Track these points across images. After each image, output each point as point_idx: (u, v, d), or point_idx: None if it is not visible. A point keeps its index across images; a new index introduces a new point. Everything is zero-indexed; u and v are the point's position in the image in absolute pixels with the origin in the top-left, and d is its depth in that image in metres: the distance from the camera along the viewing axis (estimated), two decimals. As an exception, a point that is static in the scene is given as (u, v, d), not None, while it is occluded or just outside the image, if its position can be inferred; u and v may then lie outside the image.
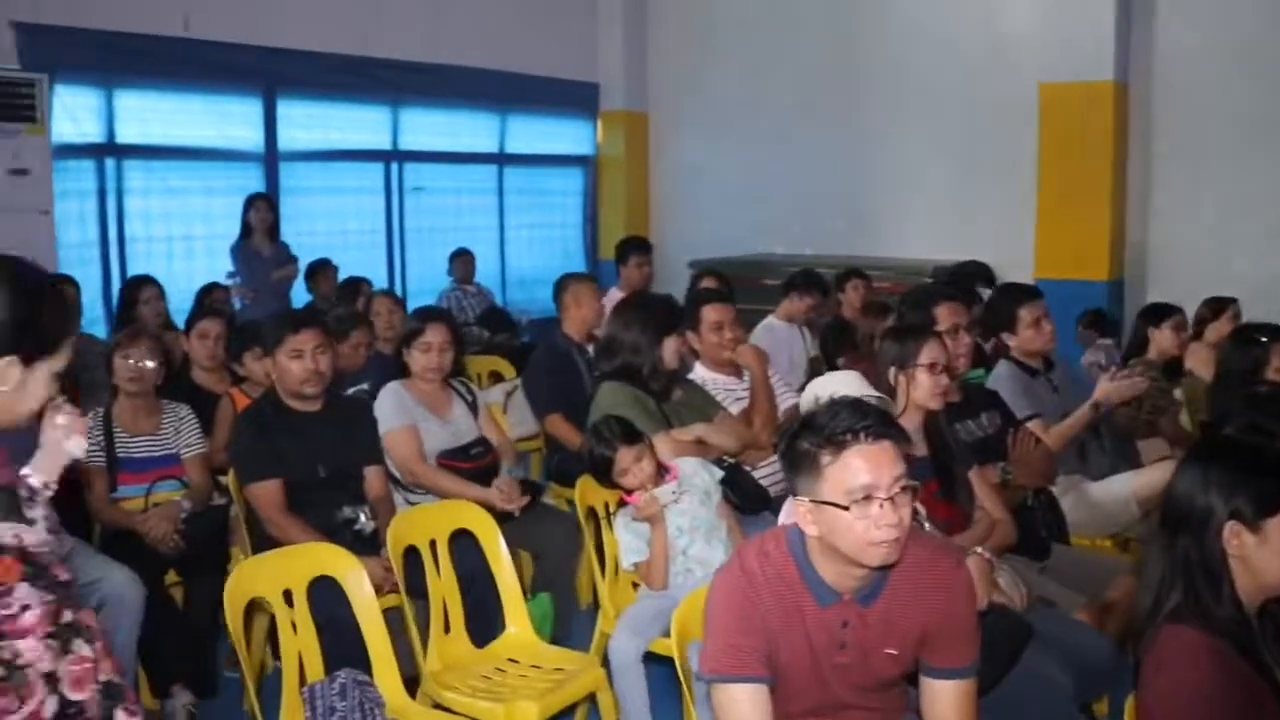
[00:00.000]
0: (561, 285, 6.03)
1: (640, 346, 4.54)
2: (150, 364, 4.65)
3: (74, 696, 2.21)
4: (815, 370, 7.20)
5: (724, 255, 10.15)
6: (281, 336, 4.29)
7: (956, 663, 2.58)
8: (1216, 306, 6.31)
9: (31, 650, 2.16)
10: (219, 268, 8.23)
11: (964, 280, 7.19)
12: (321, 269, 8.55)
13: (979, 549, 3.20)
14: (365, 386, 5.67)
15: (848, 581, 2.50)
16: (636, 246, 7.76)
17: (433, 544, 3.84)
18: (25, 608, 2.15)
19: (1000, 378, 4.95)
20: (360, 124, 9.63)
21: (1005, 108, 9.23)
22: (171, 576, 4.50)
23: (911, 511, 2.45)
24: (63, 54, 7.54)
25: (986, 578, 3.11)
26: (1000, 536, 3.79)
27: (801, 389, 6.85)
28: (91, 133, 7.87)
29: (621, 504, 4.04)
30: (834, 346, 6.94)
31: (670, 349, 4.55)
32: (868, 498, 2.38)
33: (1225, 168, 8.73)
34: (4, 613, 2.12)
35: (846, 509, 2.38)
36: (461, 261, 9.61)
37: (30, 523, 2.19)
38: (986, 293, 6.77)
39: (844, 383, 3.36)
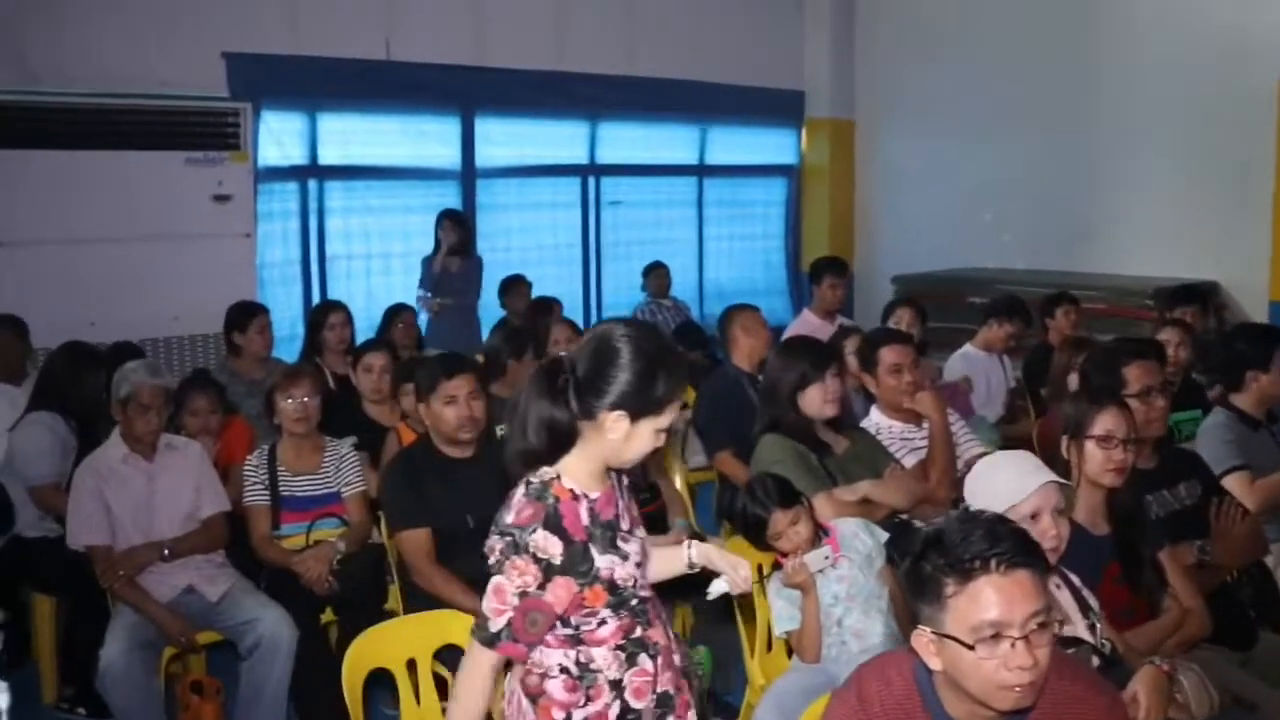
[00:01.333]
0: (727, 317, 5.82)
1: (779, 397, 4.30)
2: (313, 402, 4.66)
3: (634, 704, 2.59)
4: (1014, 402, 6.82)
5: (929, 269, 9.77)
6: (435, 383, 4.22)
7: None
8: None
9: (603, 658, 2.57)
10: (416, 285, 8.33)
11: (1192, 297, 6.70)
12: (515, 284, 8.53)
13: (1155, 660, 2.85)
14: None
15: (977, 719, 2.23)
16: (830, 267, 7.46)
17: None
18: (603, 622, 2.56)
19: (1211, 426, 4.53)
20: (557, 139, 9.62)
21: (1241, 105, 8.51)
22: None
23: (1051, 650, 2.15)
24: (270, 81, 7.75)
25: (1163, 694, 2.76)
26: (1191, 629, 3.40)
27: (1000, 421, 6.60)
28: (294, 155, 8.07)
29: (776, 566, 3.80)
30: (1037, 376, 6.54)
31: (815, 399, 4.26)
32: (997, 636, 2.10)
33: None
34: (585, 626, 2.54)
35: (972, 648, 2.11)
36: (656, 275, 9.48)
37: (624, 556, 2.56)
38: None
39: (1014, 468, 3.03)
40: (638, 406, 2.47)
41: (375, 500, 4.76)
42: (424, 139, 8.77)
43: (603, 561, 2.52)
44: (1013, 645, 2.09)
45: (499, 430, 5.57)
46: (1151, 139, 9.13)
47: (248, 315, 6.20)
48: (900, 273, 9.84)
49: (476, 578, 4.04)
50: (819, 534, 3.71)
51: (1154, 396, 3.85)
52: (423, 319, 8.00)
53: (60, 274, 6.56)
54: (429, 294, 8.15)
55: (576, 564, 2.49)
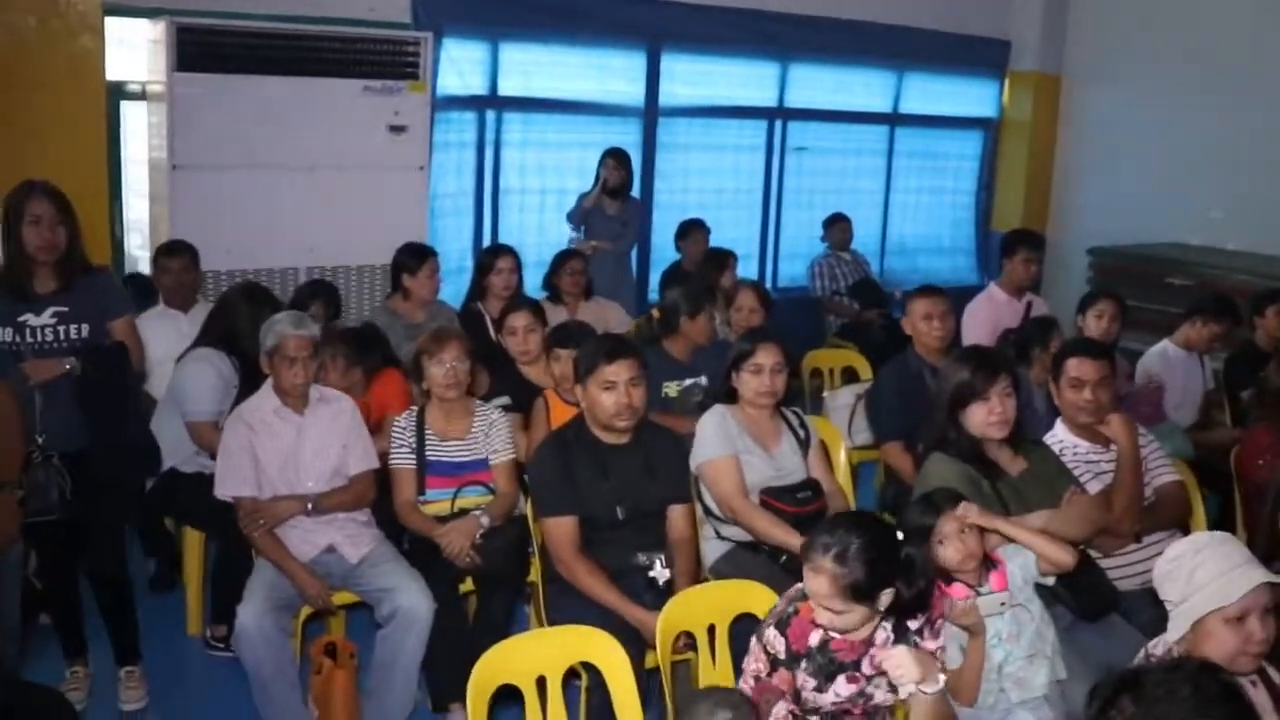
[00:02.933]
0: (908, 303, 5.47)
1: (937, 415, 3.95)
2: (463, 366, 4.50)
3: None
4: (1209, 407, 6.31)
5: (1129, 242, 9.15)
6: (594, 366, 4.02)
7: None
8: None
9: None
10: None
11: None
12: (693, 229, 8.25)
13: None
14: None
15: None
16: (1026, 240, 6.90)
17: (711, 630, 3.48)
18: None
19: None
20: (745, 80, 9.19)
21: None
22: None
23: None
24: (454, 10, 7.57)
25: None
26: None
27: (1193, 428, 6.10)
28: (474, 85, 7.87)
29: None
30: (1238, 380, 6.03)
31: (978, 418, 3.86)
32: None
33: None
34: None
35: None
36: (838, 227, 9.07)
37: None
38: None
39: (1222, 561, 2.64)
40: None
41: (523, 466, 4.63)
42: (607, 73, 8.48)
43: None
44: None
45: (671, 388, 5.39)
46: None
47: (418, 258, 6.07)
48: (1097, 244, 9.25)
49: (623, 570, 3.92)
50: (988, 565, 3.40)
51: None
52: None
53: (233, 199, 6.50)
54: (581, 235, 7.89)
55: None
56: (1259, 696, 2.66)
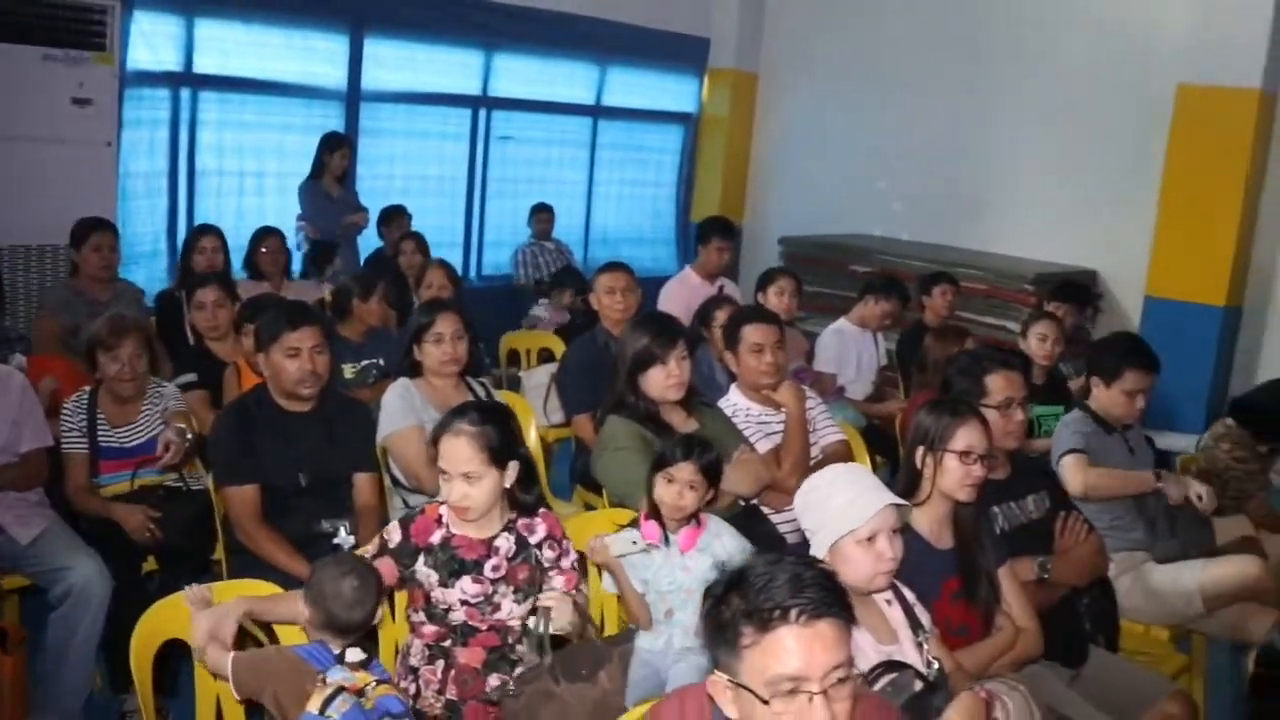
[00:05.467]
0: (595, 277, 5.66)
1: (617, 380, 4.15)
2: (140, 362, 4.38)
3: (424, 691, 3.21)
4: (883, 381, 6.77)
5: (818, 232, 9.68)
6: (277, 333, 4.00)
7: None
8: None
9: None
10: (289, 206, 8.00)
11: (1069, 294, 6.69)
12: (395, 216, 8.26)
13: (974, 686, 2.77)
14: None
15: (777, 770, 2.10)
16: (719, 228, 7.25)
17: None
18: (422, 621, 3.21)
19: (1068, 420, 4.56)
20: (450, 67, 9.22)
21: (1138, 106, 8.46)
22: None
23: (850, 705, 2.03)
24: (143, -22, 7.30)
25: None
26: (1023, 649, 3.34)
27: (868, 399, 6.54)
28: (168, 61, 7.59)
29: (633, 524, 3.57)
30: (909, 356, 6.50)
31: (656, 381, 4.09)
32: (794, 690, 1.96)
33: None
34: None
35: (767, 702, 1.97)
36: (541, 216, 9.27)
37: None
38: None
39: (851, 489, 2.89)
40: None
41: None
42: (309, 55, 8.34)
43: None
44: (810, 700, 1.96)
45: (347, 370, 5.41)
46: (1047, 126, 9.07)
47: (84, 231, 5.82)
48: (788, 234, 9.73)
49: (306, 539, 3.91)
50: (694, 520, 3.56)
51: (1014, 409, 3.77)
52: (305, 248, 7.76)
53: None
54: (309, 222, 7.83)
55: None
56: (894, 614, 2.92)
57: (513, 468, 3.18)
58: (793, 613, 1.97)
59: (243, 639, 3.21)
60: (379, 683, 2.74)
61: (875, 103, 10.00)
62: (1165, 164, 8.25)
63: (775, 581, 2.00)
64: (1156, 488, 4.35)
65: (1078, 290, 6.82)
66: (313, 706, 2.62)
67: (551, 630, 3.01)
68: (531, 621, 3.02)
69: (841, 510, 2.78)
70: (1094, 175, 8.82)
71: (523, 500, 3.29)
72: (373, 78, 8.67)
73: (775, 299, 6.16)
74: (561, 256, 9.23)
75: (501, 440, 3.16)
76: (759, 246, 10.24)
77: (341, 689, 2.66)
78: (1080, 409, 4.58)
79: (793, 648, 1.97)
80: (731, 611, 2.03)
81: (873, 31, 10.00)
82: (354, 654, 2.80)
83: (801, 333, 6.97)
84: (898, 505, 2.83)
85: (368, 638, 2.96)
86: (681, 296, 6.67)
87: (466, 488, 3.10)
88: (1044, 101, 9.07)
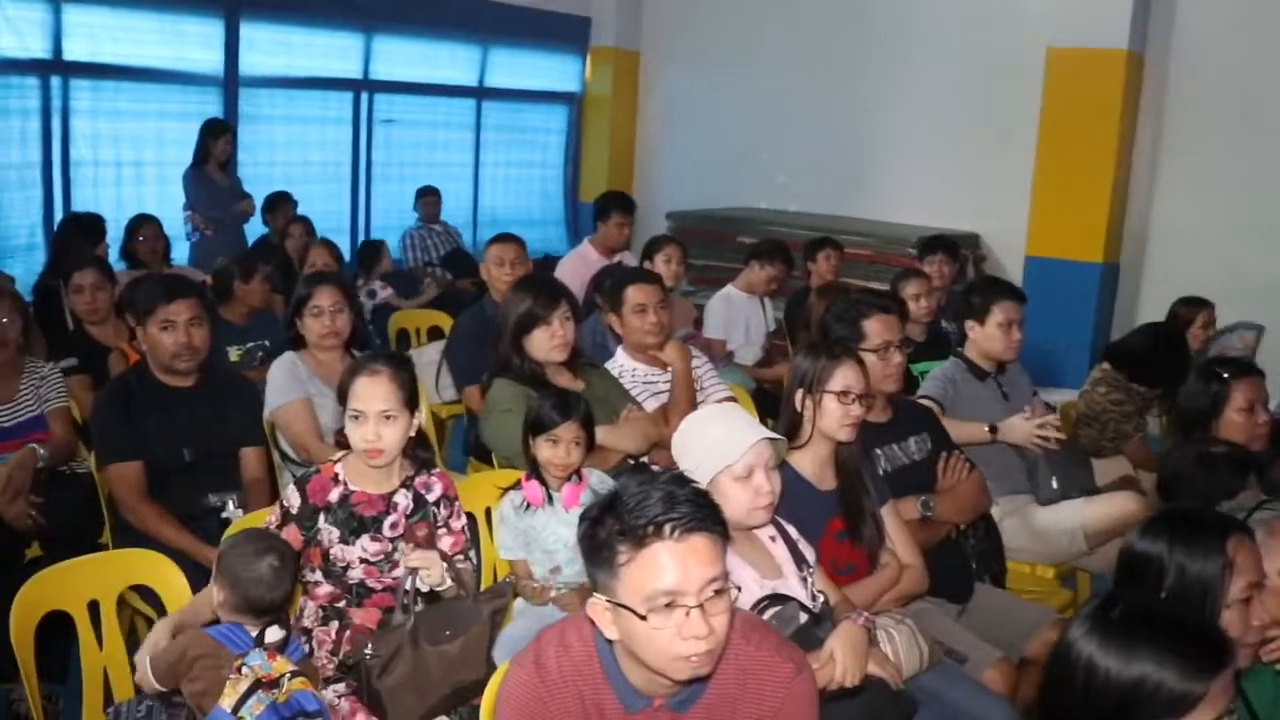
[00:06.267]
0: (485, 250, 5.66)
1: (502, 344, 4.17)
2: (12, 324, 4.30)
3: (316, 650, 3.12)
4: (772, 345, 6.86)
5: (705, 206, 9.75)
6: (153, 306, 3.94)
7: None
8: (1191, 308, 5.92)
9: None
10: (170, 195, 7.87)
11: (938, 246, 6.80)
12: (280, 202, 8.16)
13: (854, 615, 2.84)
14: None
15: (657, 688, 2.14)
16: (619, 203, 7.27)
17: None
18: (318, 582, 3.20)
19: (936, 372, 4.67)
20: (329, 51, 9.09)
21: (1011, 70, 8.64)
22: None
23: (731, 616, 2.07)
24: (6, -36, 7.09)
25: (860, 649, 2.74)
26: (908, 585, 3.42)
27: (759, 364, 6.62)
28: (36, 48, 7.39)
29: (518, 486, 3.62)
30: (797, 320, 6.58)
31: (541, 342, 4.12)
32: (671, 604, 2.00)
33: (1239, 154, 8.11)
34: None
35: (644, 618, 2.01)
36: (428, 200, 9.20)
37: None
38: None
39: (725, 424, 2.94)
40: None
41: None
42: (183, 41, 8.15)
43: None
44: (687, 614, 2.00)
45: (232, 353, 5.36)
46: (924, 93, 9.25)
47: None
48: (676, 209, 9.79)
49: (193, 514, 3.86)
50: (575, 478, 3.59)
51: (892, 351, 3.84)
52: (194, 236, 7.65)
53: None
54: (196, 208, 7.71)
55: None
56: (779, 550, 2.97)
57: (418, 415, 3.23)
58: (666, 528, 2.01)
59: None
60: (294, 674, 2.72)
61: (756, 77, 10.10)
62: (1039, 127, 8.46)
63: (649, 500, 2.04)
64: (993, 439, 4.41)
65: (945, 243, 6.90)
66: (226, 703, 2.59)
67: (421, 588, 3.05)
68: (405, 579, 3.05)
69: (717, 447, 2.83)
70: (972, 141, 9.01)
71: (421, 456, 3.33)
72: (250, 63, 8.52)
73: (663, 266, 6.20)
74: (450, 239, 9.19)
75: (412, 383, 3.24)
76: (648, 222, 10.23)
77: (257, 683, 2.63)
78: (955, 357, 4.69)
79: (668, 563, 2.01)
80: (607, 532, 2.06)
81: (751, 6, 10.09)
82: (273, 633, 2.78)
83: (692, 304, 7.04)
84: (772, 439, 2.88)
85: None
86: (580, 272, 6.67)
87: (381, 427, 3.11)
88: (920, 70, 9.25)
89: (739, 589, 2.43)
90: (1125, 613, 1.83)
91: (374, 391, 3.11)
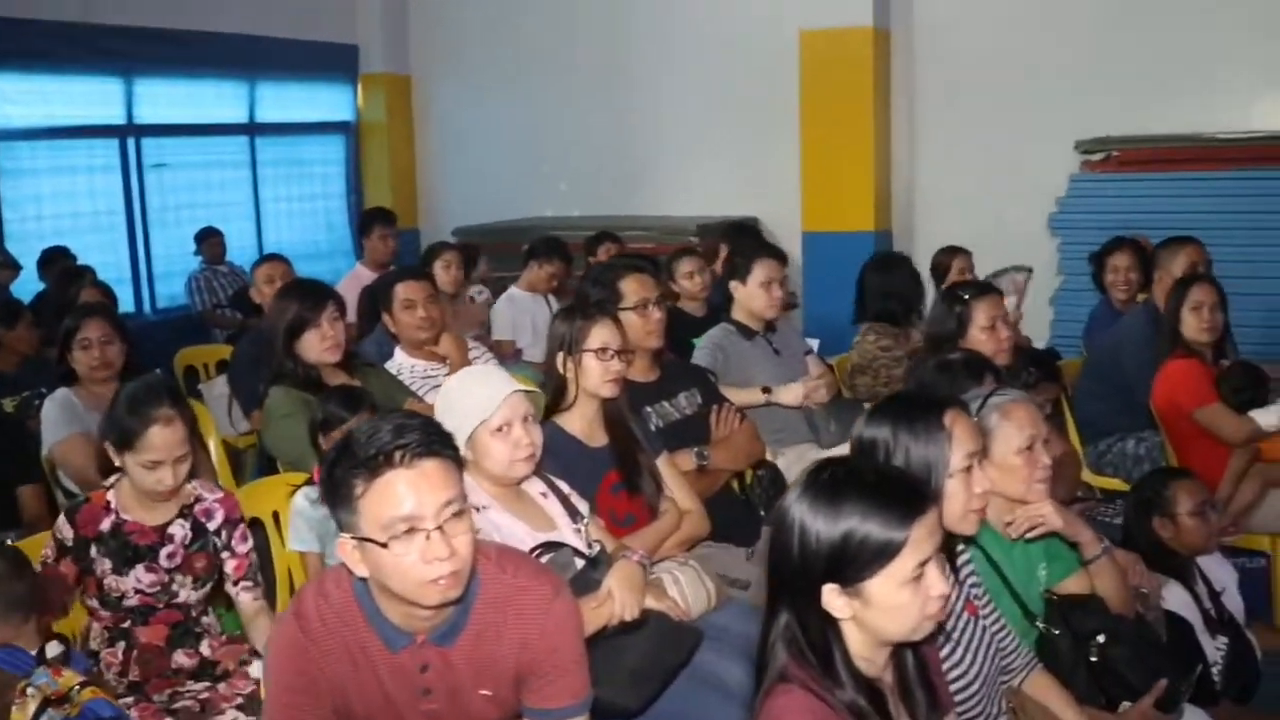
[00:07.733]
0: (254, 270, 5.64)
1: (275, 353, 4.19)
2: None
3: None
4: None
5: (492, 220, 9.83)
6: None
7: (558, 701, 2.31)
8: (949, 255, 6.24)
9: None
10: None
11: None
12: (59, 257, 7.91)
13: (628, 554, 2.95)
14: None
15: (417, 623, 2.21)
16: (378, 217, 7.35)
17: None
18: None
19: (706, 337, 4.82)
20: (88, 97, 8.84)
21: (768, 58, 8.97)
22: None
23: (472, 538, 2.16)
24: None
25: (637, 584, 2.86)
26: (690, 530, 3.57)
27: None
28: None
29: (310, 482, 3.59)
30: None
31: (312, 345, 4.14)
32: (411, 530, 2.07)
33: (989, 118, 8.60)
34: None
35: (386, 545, 2.07)
36: (210, 241, 9.02)
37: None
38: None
39: (480, 382, 3.04)
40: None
41: None
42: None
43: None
44: (428, 537, 2.07)
45: (7, 404, 5.22)
46: (689, 87, 9.55)
47: None
48: (462, 225, 9.85)
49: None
50: None
51: (651, 309, 3.98)
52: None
53: None
54: None
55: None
56: (551, 505, 3.09)
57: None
58: (397, 455, 2.08)
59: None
60: (83, 684, 2.69)
61: (530, 90, 10.24)
62: (800, 108, 8.79)
63: (379, 432, 2.11)
64: (769, 400, 4.60)
65: (733, 229, 7.12)
66: None
67: None
68: None
69: (472, 403, 2.92)
70: (740, 128, 9.33)
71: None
72: (5, 114, 8.26)
73: (441, 272, 6.26)
74: (237, 279, 9.01)
75: (192, 410, 3.29)
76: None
77: (46, 701, 2.60)
78: (724, 322, 4.86)
79: (403, 490, 2.08)
80: (343, 470, 2.12)
81: (517, 22, 10.22)
82: (53, 648, 2.75)
83: (482, 307, 7.10)
84: (526, 392, 2.98)
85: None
86: (357, 291, 6.66)
87: (179, 468, 3.12)
88: (682, 65, 9.54)
89: (479, 509, 2.50)
90: (831, 476, 1.97)
91: (172, 440, 3.09)
